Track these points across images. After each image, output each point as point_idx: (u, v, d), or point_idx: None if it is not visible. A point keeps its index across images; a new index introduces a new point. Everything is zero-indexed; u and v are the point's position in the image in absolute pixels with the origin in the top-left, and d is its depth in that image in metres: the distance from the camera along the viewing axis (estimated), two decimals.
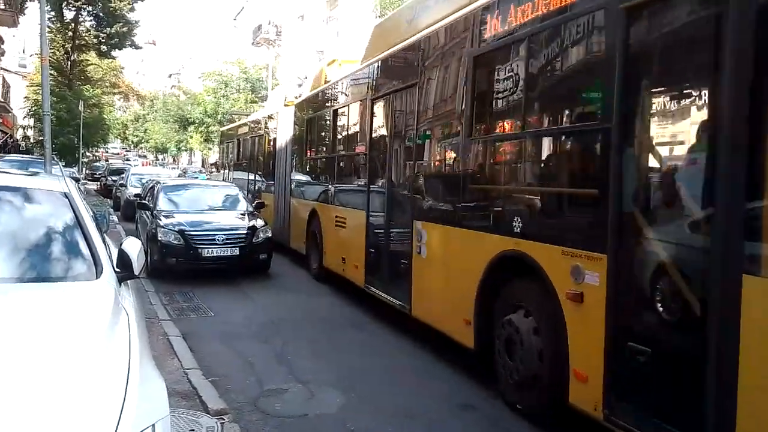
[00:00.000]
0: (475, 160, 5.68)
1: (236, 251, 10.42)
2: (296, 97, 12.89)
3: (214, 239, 10.33)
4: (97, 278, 3.09)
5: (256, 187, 15.75)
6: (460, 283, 5.61)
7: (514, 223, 4.76)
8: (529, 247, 4.57)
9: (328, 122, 10.58)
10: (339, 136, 10.15)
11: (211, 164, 57.63)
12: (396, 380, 5.67)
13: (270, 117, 14.83)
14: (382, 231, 7.64)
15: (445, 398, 5.22)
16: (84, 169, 41.33)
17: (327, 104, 10.78)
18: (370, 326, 7.63)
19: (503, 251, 4.91)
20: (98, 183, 34.75)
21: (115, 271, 3.27)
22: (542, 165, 4.78)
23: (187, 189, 12.68)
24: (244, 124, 18.17)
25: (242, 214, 11.47)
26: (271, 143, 14.45)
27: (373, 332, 7.37)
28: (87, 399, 2.10)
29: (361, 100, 8.71)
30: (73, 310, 2.77)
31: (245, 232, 10.62)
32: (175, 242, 10.21)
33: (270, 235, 11.09)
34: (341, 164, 9.80)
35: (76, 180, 20.05)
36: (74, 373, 2.22)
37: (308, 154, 11.68)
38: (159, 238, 10.29)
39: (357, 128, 9.10)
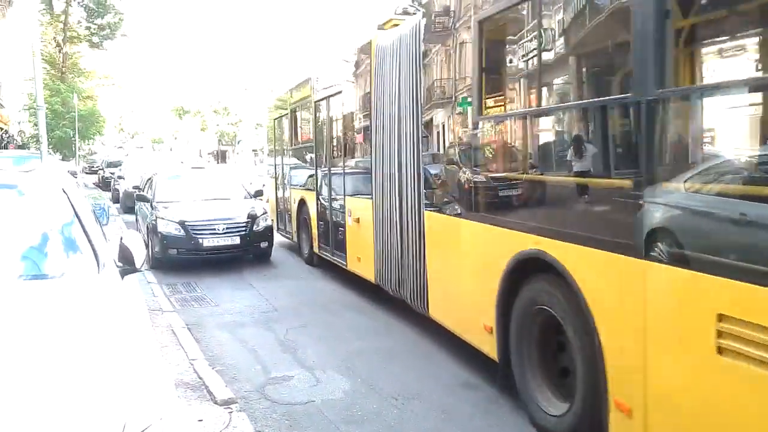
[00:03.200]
0: None
1: (237, 240, 10.45)
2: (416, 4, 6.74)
3: (214, 229, 10.35)
4: (98, 273, 3.10)
5: (329, 189, 9.24)
6: None
7: None
8: None
9: None
10: None
11: (208, 153, 57.58)
12: (398, 363, 5.70)
13: (355, 59, 8.13)
14: None
15: (447, 379, 5.25)
16: (81, 162, 41.22)
17: None
18: (367, 309, 7.65)
19: None
20: (96, 176, 34.74)
21: (116, 265, 3.28)
22: None
23: (185, 179, 12.66)
24: (303, 84, 10.79)
25: (242, 203, 11.46)
26: (359, 107, 8.09)
27: (371, 315, 7.39)
28: (92, 399, 2.11)
29: None
30: (76, 307, 2.77)
31: (245, 220, 10.64)
32: (175, 233, 10.22)
33: (270, 224, 11.10)
34: None
35: (74, 174, 20.03)
36: (78, 372, 2.22)
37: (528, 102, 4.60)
38: (159, 230, 10.30)
39: None
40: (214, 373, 5.28)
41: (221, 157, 53.74)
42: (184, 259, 10.27)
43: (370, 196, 7.35)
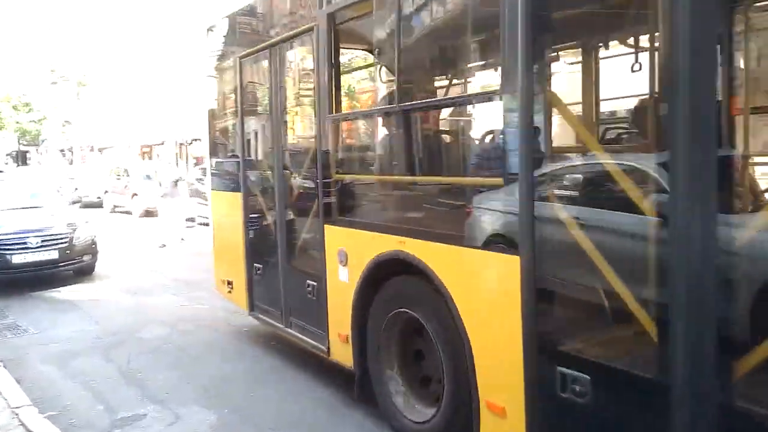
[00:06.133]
0: None
1: (55, 254, 9.18)
2: None
3: (25, 243, 8.97)
4: None
5: None
6: None
7: None
8: None
9: None
10: None
11: (6, 155, 51.37)
12: (266, 386, 5.17)
13: None
14: None
15: (322, 400, 4.81)
16: None
17: None
18: (221, 328, 6.89)
19: None
20: None
21: None
22: None
23: None
24: None
25: (58, 212, 10.07)
26: None
27: (225, 332, 6.72)
28: None
29: None
30: None
31: (64, 231, 9.38)
32: None
33: (94, 234, 9.86)
34: None
35: None
36: None
37: None
38: None
39: None
40: (47, 422, 4.38)
41: (22, 158, 48.13)
42: None
43: None
